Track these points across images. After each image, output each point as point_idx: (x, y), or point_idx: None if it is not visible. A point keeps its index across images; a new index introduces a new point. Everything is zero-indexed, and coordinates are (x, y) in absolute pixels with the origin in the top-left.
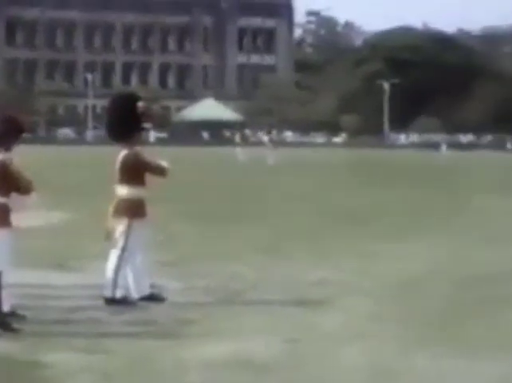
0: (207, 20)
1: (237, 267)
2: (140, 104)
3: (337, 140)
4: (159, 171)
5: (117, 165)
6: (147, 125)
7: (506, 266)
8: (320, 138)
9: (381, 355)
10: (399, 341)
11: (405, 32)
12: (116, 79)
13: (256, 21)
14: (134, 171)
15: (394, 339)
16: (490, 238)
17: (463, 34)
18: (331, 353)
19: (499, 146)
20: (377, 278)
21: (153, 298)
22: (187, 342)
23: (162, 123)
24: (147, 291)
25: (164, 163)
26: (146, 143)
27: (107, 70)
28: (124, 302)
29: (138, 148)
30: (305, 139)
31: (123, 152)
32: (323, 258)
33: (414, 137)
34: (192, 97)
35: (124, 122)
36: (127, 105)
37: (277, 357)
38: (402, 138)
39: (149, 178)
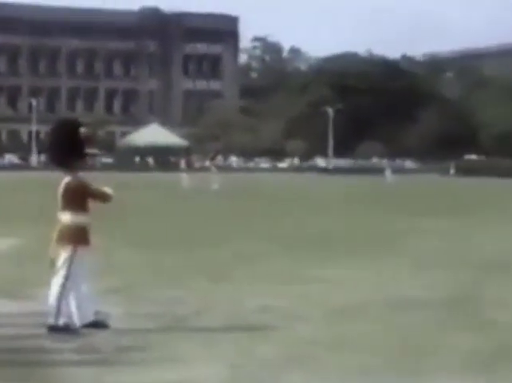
0: (153, 45)
1: (180, 293)
2: (83, 129)
3: (282, 165)
4: (103, 198)
5: (60, 192)
6: (91, 151)
7: (441, 291)
8: (265, 163)
9: (321, 381)
10: (338, 368)
11: (350, 58)
12: (61, 104)
13: (202, 47)
14: (77, 198)
15: (333, 365)
16: (428, 262)
17: (407, 60)
18: (272, 380)
19: (442, 171)
20: (318, 304)
21: (97, 325)
22: (130, 370)
23: (106, 149)
24: (90, 318)
25: (108, 190)
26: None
27: (52, 95)
28: (67, 330)
29: (81, 174)
30: (250, 164)
31: (66, 179)
32: (266, 284)
33: (358, 162)
34: (138, 123)
35: (66, 148)
36: (69, 131)
37: None
38: (346, 163)
39: (93, 204)
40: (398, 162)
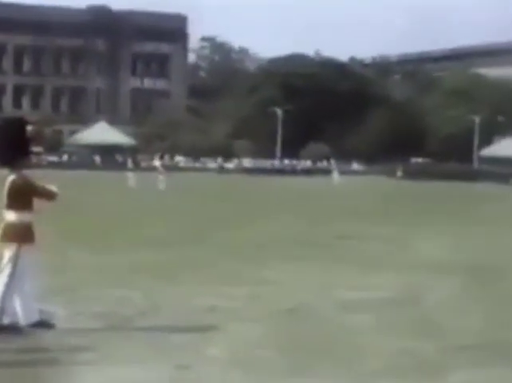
0: (101, 43)
1: (127, 293)
2: (30, 128)
3: (230, 165)
4: (48, 196)
5: (5, 190)
6: (36, 149)
7: (386, 293)
8: (212, 163)
9: (266, 381)
10: (284, 369)
11: (299, 59)
12: (7, 102)
13: (150, 46)
14: (22, 196)
15: (279, 366)
16: (373, 265)
17: (355, 63)
18: (218, 380)
19: (389, 174)
20: (265, 305)
21: (42, 324)
22: (76, 369)
23: (53, 147)
24: (35, 318)
25: (53, 188)
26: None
27: None
28: (11, 329)
29: (26, 172)
30: (197, 164)
31: (11, 177)
32: (213, 285)
33: (306, 163)
34: (85, 121)
35: (12, 146)
36: (14, 129)
37: None
38: (294, 164)
39: (38, 202)
40: (345, 164)
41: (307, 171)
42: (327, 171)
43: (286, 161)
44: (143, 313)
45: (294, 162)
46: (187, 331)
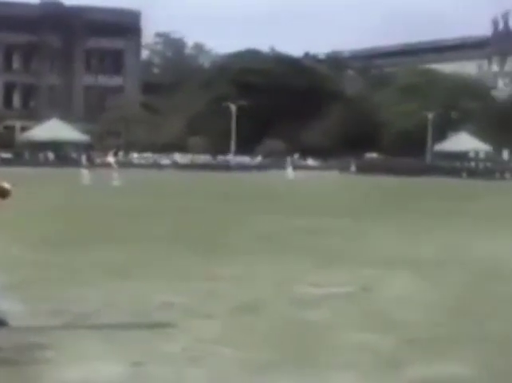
0: (54, 39)
1: (83, 290)
2: None
3: (183, 161)
4: (1, 193)
5: None
6: None
7: (341, 287)
8: (165, 160)
9: (223, 379)
10: (241, 365)
11: (252, 55)
12: None
13: (103, 42)
14: None
15: (235, 362)
16: (328, 259)
17: (309, 58)
18: (175, 377)
19: (343, 169)
20: (221, 301)
21: None
22: (31, 369)
23: (5, 143)
24: None
25: (5, 185)
26: None
27: None
28: None
29: None
30: (151, 161)
31: None
32: (170, 282)
33: (259, 159)
34: (38, 117)
35: None
36: None
37: (124, 382)
38: (248, 160)
39: None
40: (300, 159)
41: (259, 167)
42: (281, 167)
43: (221, 157)
44: (98, 311)
45: (230, 157)
46: (143, 328)
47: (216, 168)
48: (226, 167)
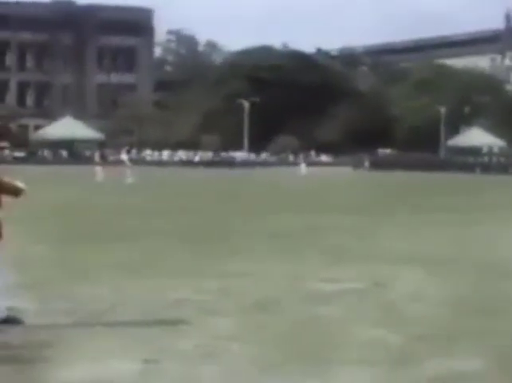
0: (67, 38)
1: (96, 289)
2: None
3: (197, 158)
4: (14, 192)
5: None
6: (2, 144)
7: (352, 284)
8: (178, 157)
9: (238, 376)
10: (254, 362)
11: (265, 51)
12: None
13: (116, 40)
14: None
15: (248, 360)
16: (338, 256)
17: (322, 54)
18: (189, 374)
19: (357, 165)
20: (234, 298)
21: (9, 320)
22: (44, 366)
23: (19, 142)
24: (3, 314)
25: (19, 184)
26: (3, 162)
27: None
28: None
29: None
30: (164, 158)
31: None
32: (182, 279)
33: (274, 156)
34: (51, 116)
35: None
36: None
37: (137, 379)
38: (261, 157)
39: (5, 198)
40: (313, 156)
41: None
42: (295, 164)
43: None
44: (111, 308)
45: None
46: (156, 325)
47: (225, 165)
48: (233, 163)
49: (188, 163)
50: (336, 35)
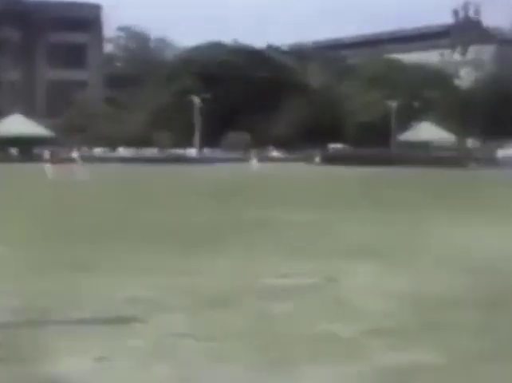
0: (15, 35)
1: (46, 285)
2: None
3: (147, 155)
4: None
5: None
6: None
7: (308, 279)
8: (129, 153)
9: (191, 372)
10: (206, 358)
11: (216, 47)
12: None
13: (66, 37)
14: None
15: (202, 356)
16: (293, 252)
17: (272, 50)
18: (141, 371)
19: (308, 160)
20: (187, 294)
21: None
22: None
23: None
24: None
25: None
26: None
27: None
28: None
29: None
30: (115, 154)
31: None
32: (134, 276)
33: (226, 152)
34: (0, 114)
35: None
36: None
37: (88, 377)
38: (212, 153)
39: None
40: (265, 151)
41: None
42: (246, 159)
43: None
44: (62, 306)
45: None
46: (108, 323)
47: (175, 161)
48: (183, 160)
49: (138, 159)
50: (287, 32)
